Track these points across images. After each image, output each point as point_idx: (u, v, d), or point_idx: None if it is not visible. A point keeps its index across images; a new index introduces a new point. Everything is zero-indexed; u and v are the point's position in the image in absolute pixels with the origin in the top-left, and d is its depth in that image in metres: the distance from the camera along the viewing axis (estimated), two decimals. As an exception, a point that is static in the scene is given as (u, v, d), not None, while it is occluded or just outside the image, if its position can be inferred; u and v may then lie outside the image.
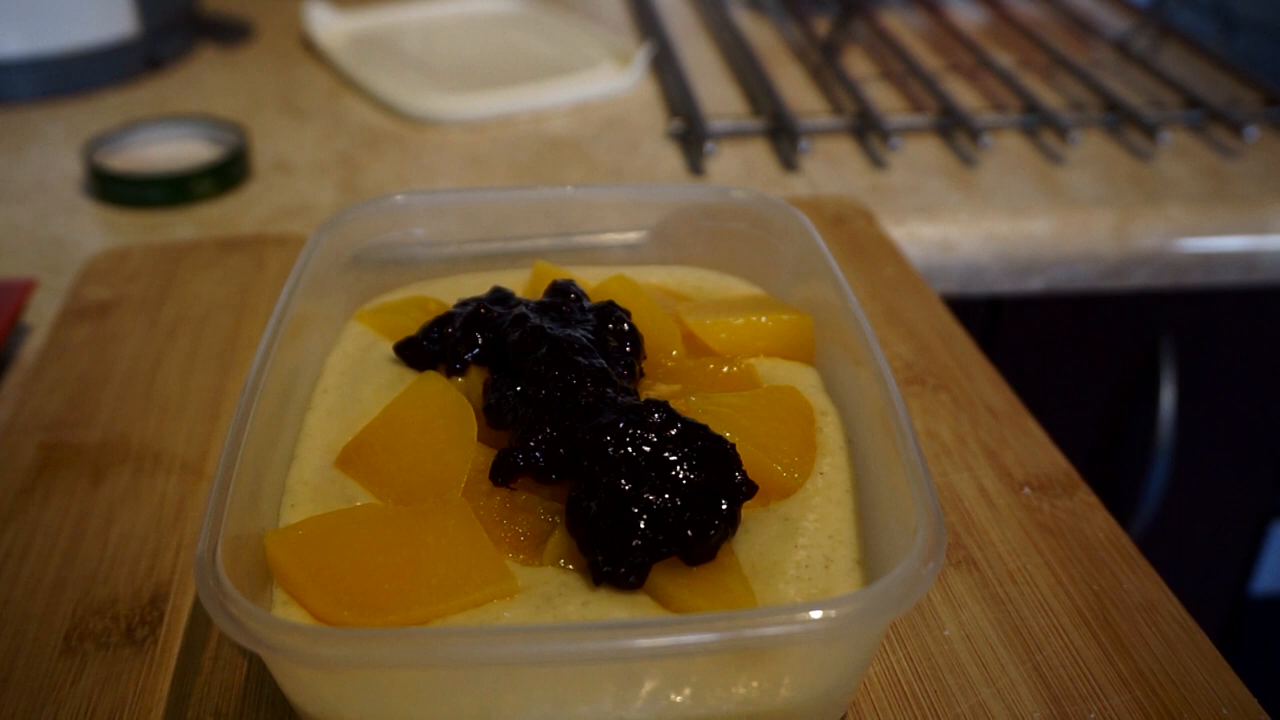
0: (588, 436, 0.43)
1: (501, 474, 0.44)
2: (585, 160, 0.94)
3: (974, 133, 0.94)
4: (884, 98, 1.04)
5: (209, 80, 1.10)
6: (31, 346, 0.68)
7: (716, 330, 0.54)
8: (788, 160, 0.93)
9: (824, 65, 1.10)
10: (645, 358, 0.52)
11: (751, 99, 1.04)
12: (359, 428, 0.49)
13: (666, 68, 1.10)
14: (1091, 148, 0.96)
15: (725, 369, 0.52)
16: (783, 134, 0.95)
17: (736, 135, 0.97)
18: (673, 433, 0.43)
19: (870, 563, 0.43)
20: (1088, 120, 0.99)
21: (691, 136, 0.96)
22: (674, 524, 0.41)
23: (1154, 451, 0.99)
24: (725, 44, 1.18)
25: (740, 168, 0.92)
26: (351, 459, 0.48)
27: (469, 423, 0.47)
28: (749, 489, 0.43)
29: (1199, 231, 0.86)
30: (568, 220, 0.62)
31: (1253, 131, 0.95)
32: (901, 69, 1.10)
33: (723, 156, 0.94)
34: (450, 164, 0.93)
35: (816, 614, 0.35)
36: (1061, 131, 0.94)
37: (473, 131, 0.98)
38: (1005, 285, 0.87)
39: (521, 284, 0.60)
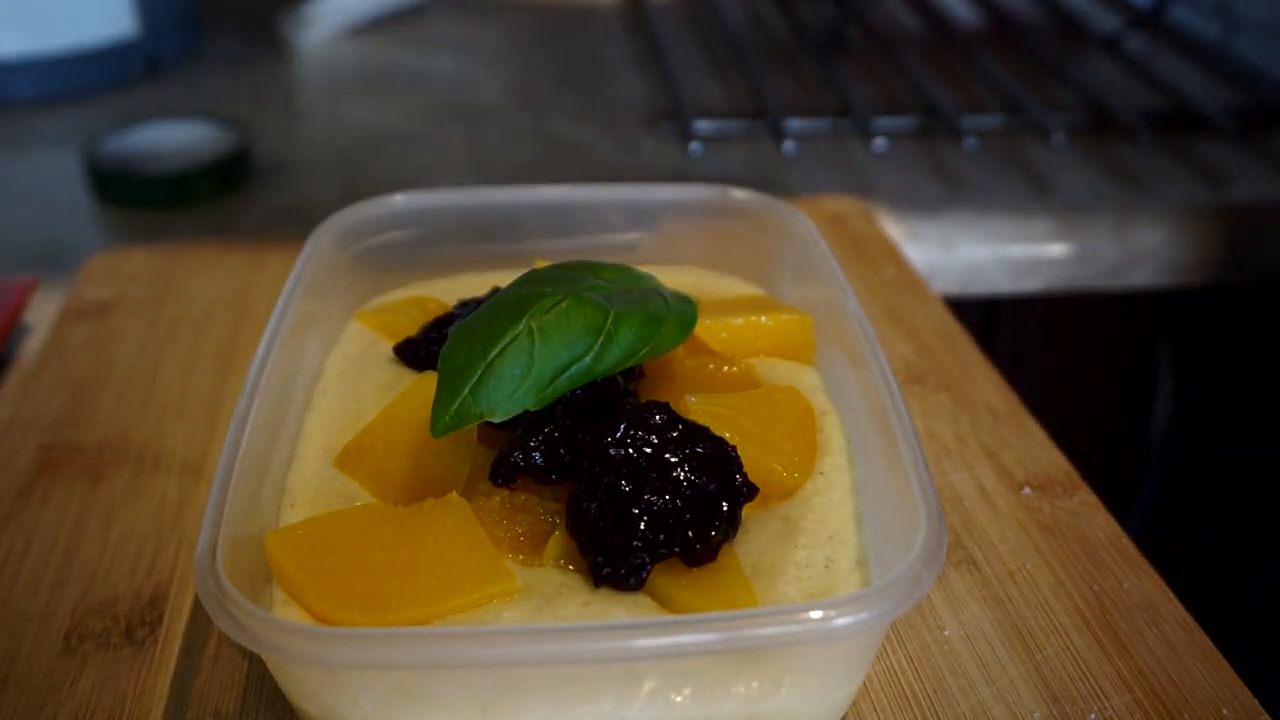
0: (588, 437, 0.43)
1: (501, 474, 0.44)
2: (585, 160, 0.94)
3: (974, 133, 0.94)
4: (884, 98, 1.04)
5: (209, 80, 1.10)
6: (31, 346, 0.68)
7: (716, 330, 0.54)
8: (788, 160, 0.93)
9: (824, 66, 1.10)
10: (645, 358, 0.52)
11: (751, 99, 1.04)
12: (359, 428, 0.49)
13: (665, 68, 1.10)
14: (1091, 148, 0.96)
15: (725, 369, 0.52)
16: (783, 134, 0.95)
17: (736, 135, 0.97)
18: (674, 434, 0.43)
19: (870, 563, 0.43)
20: (1086, 121, 0.99)
21: (691, 137, 0.96)
22: (674, 525, 0.41)
23: (1152, 450, 0.99)
24: (724, 44, 1.18)
25: (740, 168, 0.92)
26: (351, 459, 0.48)
27: (469, 422, 0.47)
28: (750, 491, 0.43)
29: (1196, 232, 0.86)
30: (568, 220, 0.62)
31: (1249, 132, 0.95)
32: (901, 69, 1.10)
33: (722, 156, 0.94)
34: (450, 164, 0.93)
35: (816, 614, 0.35)
36: (1061, 132, 0.94)
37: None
38: (1005, 285, 0.87)
39: (521, 284, 0.60)
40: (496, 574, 0.41)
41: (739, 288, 0.61)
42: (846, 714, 0.44)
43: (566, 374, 0.43)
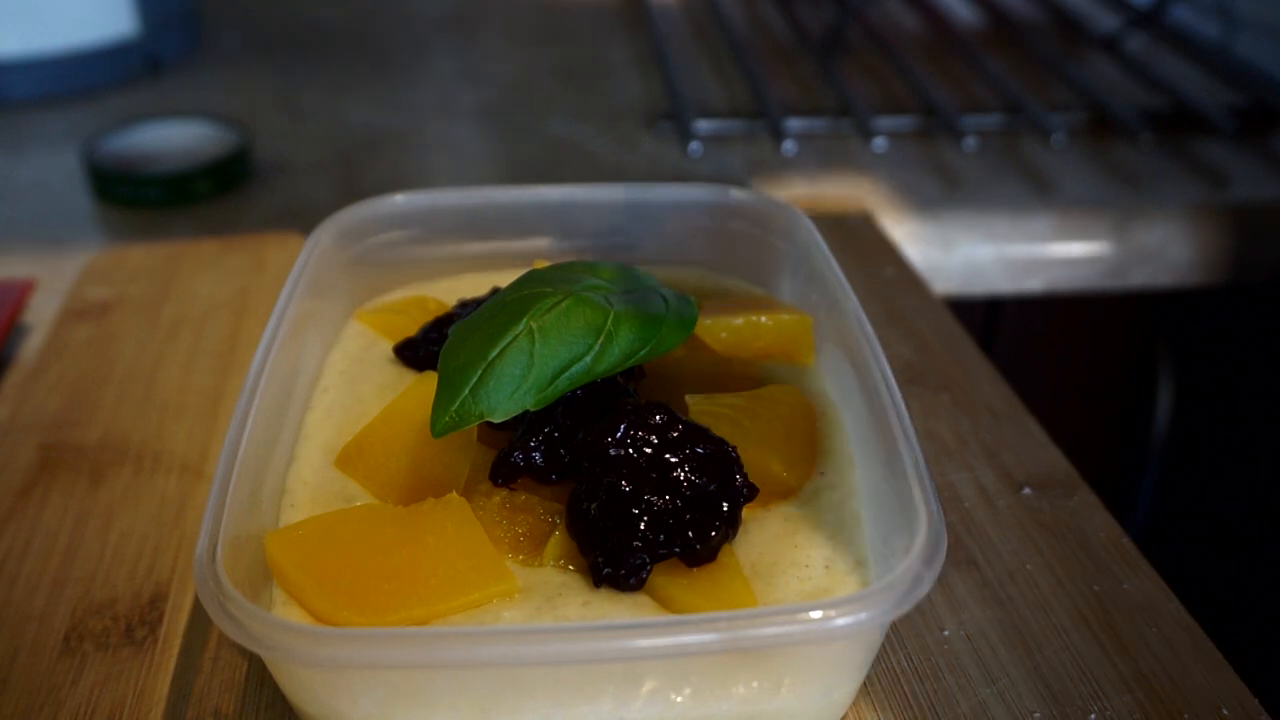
0: (588, 437, 0.43)
1: (501, 474, 0.44)
2: (585, 160, 0.94)
3: (974, 133, 0.94)
4: (884, 98, 1.04)
5: (209, 80, 1.10)
6: (31, 346, 0.68)
7: (716, 330, 0.54)
8: (787, 160, 0.93)
9: (824, 65, 1.10)
10: (645, 358, 0.52)
11: (751, 99, 1.04)
12: (359, 428, 0.49)
13: (665, 67, 1.10)
14: (1091, 148, 0.96)
15: (725, 369, 0.52)
16: (783, 134, 0.95)
17: (736, 135, 0.97)
18: (674, 435, 0.43)
19: (870, 563, 0.43)
20: (1086, 121, 0.99)
21: (691, 136, 0.96)
22: (674, 525, 0.41)
23: (1152, 450, 0.99)
24: (723, 43, 1.18)
25: (740, 168, 0.92)
26: (351, 459, 0.48)
27: (469, 423, 0.47)
28: (750, 491, 0.43)
29: (1196, 232, 0.86)
30: (568, 220, 0.62)
31: (1249, 132, 0.95)
32: (901, 69, 1.10)
33: (722, 156, 0.94)
34: (450, 164, 0.93)
35: (816, 614, 0.35)
36: (1061, 132, 0.94)
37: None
38: (1005, 285, 0.87)
39: (521, 284, 0.60)
40: (496, 574, 0.41)
41: (739, 288, 0.61)
42: (846, 714, 0.44)
43: (566, 374, 0.43)
